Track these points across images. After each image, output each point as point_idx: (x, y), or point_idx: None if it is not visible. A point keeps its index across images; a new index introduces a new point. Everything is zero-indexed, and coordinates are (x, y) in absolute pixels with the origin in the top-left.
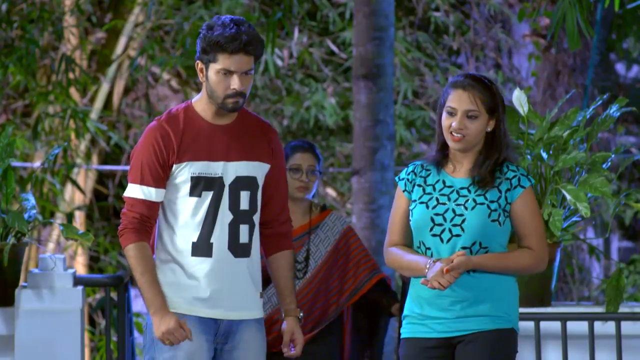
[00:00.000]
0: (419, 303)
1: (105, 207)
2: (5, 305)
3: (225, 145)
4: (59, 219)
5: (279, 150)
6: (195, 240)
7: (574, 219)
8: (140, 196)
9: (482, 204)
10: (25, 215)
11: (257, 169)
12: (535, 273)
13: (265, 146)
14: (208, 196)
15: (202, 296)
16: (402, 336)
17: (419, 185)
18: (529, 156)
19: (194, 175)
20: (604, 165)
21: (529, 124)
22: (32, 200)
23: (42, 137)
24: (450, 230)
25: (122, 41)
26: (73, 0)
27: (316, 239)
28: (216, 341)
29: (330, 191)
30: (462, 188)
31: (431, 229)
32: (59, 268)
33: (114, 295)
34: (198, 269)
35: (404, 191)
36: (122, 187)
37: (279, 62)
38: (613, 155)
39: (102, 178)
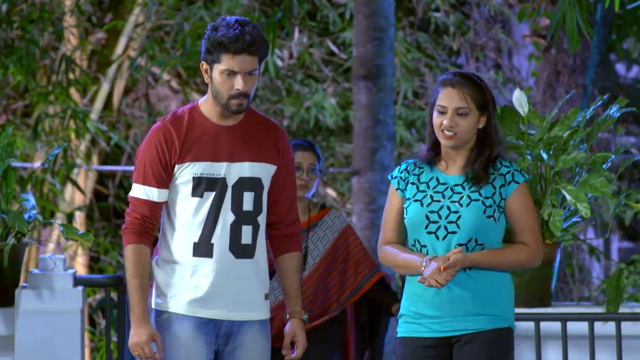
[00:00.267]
0: (415, 301)
1: (105, 207)
2: (5, 305)
3: (229, 146)
4: (59, 219)
5: (286, 151)
6: (196, 240)
7: (574, 219)
8: (143, 196)
9: (476, 200)
10: (26, 216)
11: (262, 170)
12: (531, 268)
13: (271, 147)
14: (210, 197)
15: (203, 296)
16: (398, 335)
17: (413, 183)
18: (529, 156)
19: (196, 175)
20: (604, 166)
21: (529, 124)
22: (32, 201)
23: (42, 137)
24: (445, 228)
25: (122, 41)
26: (73, 0)
27: (314, 236)
28: (217, 342)
29: (331, 191)
30: (456, 185)
31: (426, 227)
32: (59, 268)
33: (114, 295)
34: (199, 269)
35: (397, 189)
36: (122, 187)
37: (279, 63)
38: (613, 156)
39: (102, 178)
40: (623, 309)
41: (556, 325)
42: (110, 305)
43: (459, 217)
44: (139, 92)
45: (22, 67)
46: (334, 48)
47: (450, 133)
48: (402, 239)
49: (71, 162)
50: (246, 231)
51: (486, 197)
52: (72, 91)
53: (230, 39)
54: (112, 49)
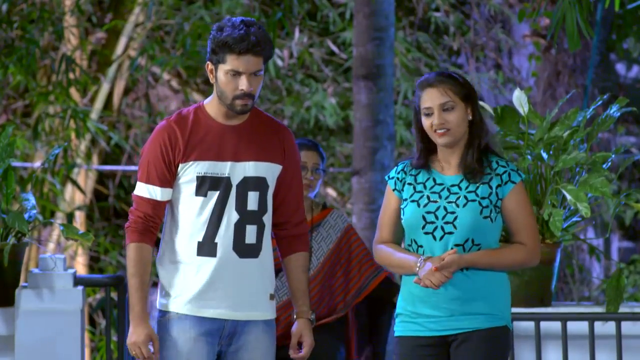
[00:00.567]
0: (412, 301)
1: (105, 207)
2: (6, 305)
3: (234, 145)
4: (59, 219)
5: (292, 152)
6: (200, 239)
7: (574, 219)
8: (146, 195)
9: (473, 200)
10: (26, 216)
11: (267, 170)
12: (531, 268)
13: (277, 147)
14: (214, 196)
15: (206, 296)
16: (395, 334)
17: (410, 184)
18: (529, 156)
19: (200, 174)
20: (604, 166)
21: (529, 124)
22: (32, 200)
23: (43, 137)
24: (442, 228)
25: (122, 41)
26: (73, 0)
27: (318, 236)
28: (220, 343)
29: (331, 191)
30: (452, 185)
31: (423, 227)
32: (59, 268)
33: (114, 295)
34: (203, 268)
35: (393, 190)
36: (123, 187)
37: (279, 62)
38: (613, 156)
39: (102, 178)
40: (623, 309)
41: (556, 325)
42: (110, 305)
43: (455, 218)
44: (139, 92)
45: (22, 67)
46: (334, 48)
47: (442, 130)
48: (397, 239)
49: (71, 162)
50: (250, 231)
51: (483, 198)
52: (72, 91)
53: (235, 40)
54: (112, 48)
